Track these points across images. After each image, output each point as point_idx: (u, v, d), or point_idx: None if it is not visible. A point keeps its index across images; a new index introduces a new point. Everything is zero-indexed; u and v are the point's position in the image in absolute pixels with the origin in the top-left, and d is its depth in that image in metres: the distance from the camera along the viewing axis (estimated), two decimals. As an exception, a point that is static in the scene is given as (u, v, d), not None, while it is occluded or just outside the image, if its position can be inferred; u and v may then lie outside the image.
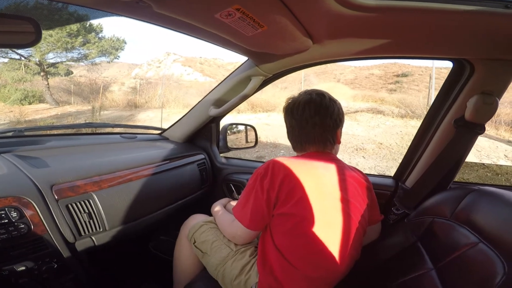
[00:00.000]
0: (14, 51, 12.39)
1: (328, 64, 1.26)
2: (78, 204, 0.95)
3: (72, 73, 16.01)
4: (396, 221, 1.21)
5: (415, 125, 9.79)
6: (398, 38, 0.89)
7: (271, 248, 0.92)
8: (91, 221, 0.97)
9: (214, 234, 1.11)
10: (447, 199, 0.93)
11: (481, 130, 1.02)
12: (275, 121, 9.80)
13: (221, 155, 1.74)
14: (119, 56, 15.78)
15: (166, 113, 12.01)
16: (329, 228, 0.89)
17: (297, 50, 1.04)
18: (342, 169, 0.97)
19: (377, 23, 0.78)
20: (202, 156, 1.62)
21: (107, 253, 1.11)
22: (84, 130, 2.01)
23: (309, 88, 1.10)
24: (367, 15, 0.73)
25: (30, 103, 13.64)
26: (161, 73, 24.83)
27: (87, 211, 0.96)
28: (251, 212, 0.92)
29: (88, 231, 0.97)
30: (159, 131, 1.76)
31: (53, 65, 14.40)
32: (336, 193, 0.91)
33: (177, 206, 1.37)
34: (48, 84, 13.94)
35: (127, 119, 11.46)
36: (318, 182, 0.91)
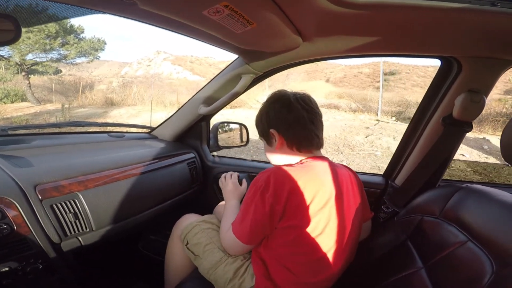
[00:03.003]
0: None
1: (319, 63, 1.26)
2: (63, 204, 0.92)
3: (61, 71, 15.77)
4: (386, 219, 1.21)
5: (363, 118, 10.21)
6: (386, 35, 0.90)
7: (268, 256, 0.91)
8: (77, 221, 0.95)
9: (207, 236, 1.08)
10: (436, 197, 0.93)
11: (469, 127, 1.04)
12: (237, 118, 10.02)
13: (212, 154, 1.73)
14: (99, 56, 15.77)
15: (137, 110, 12.13)
16: (329, 235, 0.88)
17: (287, 48, 1.03)
18: (335, 170, 0.96)
19: (365, 20, 0.78)
20: (192, 155, 1.60)
21: (95, 253, 1.09)
22: (71, 129, 1.97)
23: (277, 87, 1.09)
24: (356, 12, 0.73)
25: (12, 102, 13.48)
26: (151, 72, 24.57)
27: (72, 211, 0.94)
28: (250, 226, 0.88)
29: (74, 232, 0.95)
30: (148, 130, 1.74)
31: (35, 64, 14.20)
32: (334, 198, 0.90)
33: (167, 205, 1.35)
34: (29, 83, 13.76)
35: (99, 115, 11.53)
36: (320, 190, 0.88)
